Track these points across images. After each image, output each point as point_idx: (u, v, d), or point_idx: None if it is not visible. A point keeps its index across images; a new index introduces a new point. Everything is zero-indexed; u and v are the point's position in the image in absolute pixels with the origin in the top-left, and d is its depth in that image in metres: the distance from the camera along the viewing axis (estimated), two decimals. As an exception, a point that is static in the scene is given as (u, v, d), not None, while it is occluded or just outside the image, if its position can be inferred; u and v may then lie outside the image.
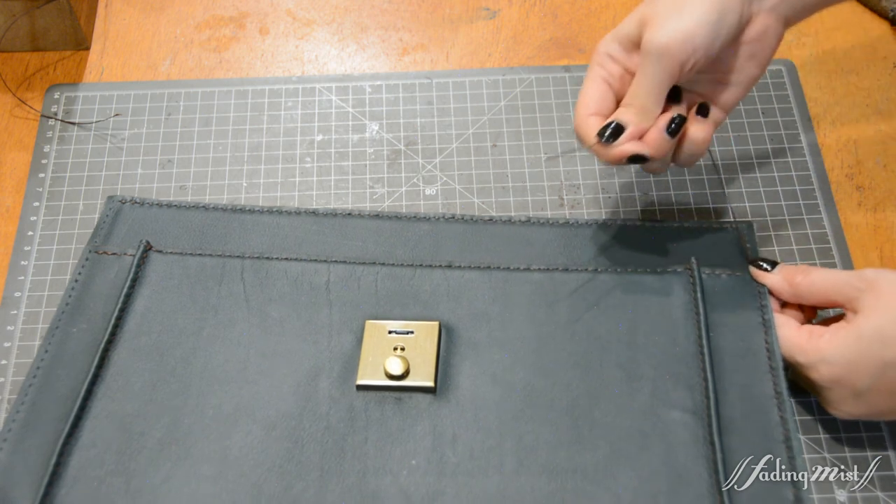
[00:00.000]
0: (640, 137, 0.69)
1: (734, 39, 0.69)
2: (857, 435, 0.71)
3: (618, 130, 0.68)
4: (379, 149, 0.87)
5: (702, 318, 0.71)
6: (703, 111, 0.71)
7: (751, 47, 0.70)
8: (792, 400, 0.70)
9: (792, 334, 0.69)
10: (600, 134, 0.68)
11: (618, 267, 0.75)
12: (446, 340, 0.72)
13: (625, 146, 0.68)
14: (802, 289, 0.70)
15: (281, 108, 0.90)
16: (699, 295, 0.72)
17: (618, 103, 0.71)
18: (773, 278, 0.73)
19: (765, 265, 0.74)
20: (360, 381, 0.70)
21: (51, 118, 0.88)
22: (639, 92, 0.68)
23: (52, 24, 0.91)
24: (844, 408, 0.67)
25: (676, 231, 0.77)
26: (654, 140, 0.69)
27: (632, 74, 0.70)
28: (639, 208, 0.82)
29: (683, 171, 0.84)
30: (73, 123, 0.88)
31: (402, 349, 0.71)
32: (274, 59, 0.94)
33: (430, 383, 0.69)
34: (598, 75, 0.71)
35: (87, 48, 0.94)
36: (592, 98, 0.71)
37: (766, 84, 0.90)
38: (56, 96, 0.90)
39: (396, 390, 0.70)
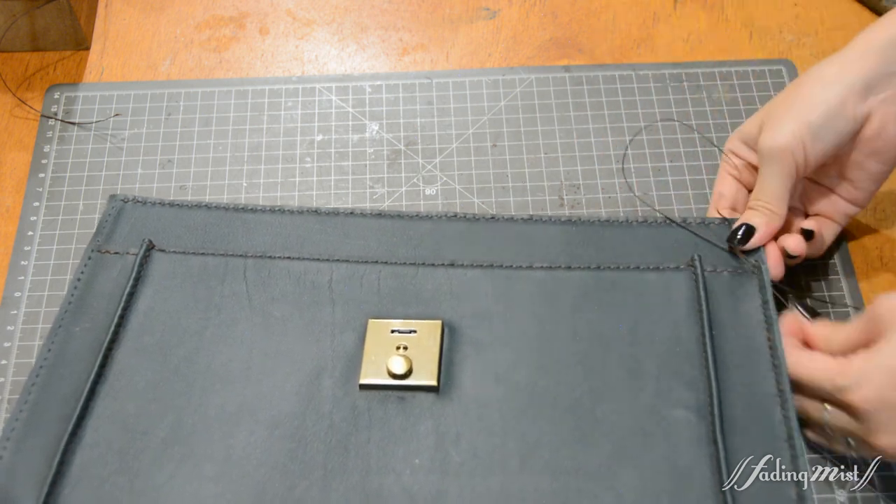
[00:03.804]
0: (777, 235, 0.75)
1: (851, 138, 0.72)
2: (857, 435, 0.71)
3: (748, 233, 0.73)
4: (379, 149, 0.87)
5: (704, 315, 0.71)
6: (807, 236, 0.75)
7: (871, 144, 0.73)
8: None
9: (823, 360, 0.66)
10: (732, 238, 0.74)
11: (620, 264, 0.75)
12: (449, 339, 0.72)
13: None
14: (833, 337, 0.68)
15: (281, 108, 0.90)
16: (702, 293, 0.72)
17: (749, 190, 0.77)
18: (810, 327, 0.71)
19: (806, 313, 0.74)
20: (363, 381, 0.69)
21: (51, 118, 0.88)
22: (762, 193, 0.73)
23: (52, 24, 0.91)
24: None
25: (679, 228, 0.77)
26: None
27: (755, 168, 0.75)
28: (639, 208, 0.82)
29: (683, 171, 0.84)
30: (73, 123, 0.88)
31: (405, 348, 0.71)
32: (274, 59, 0.94)
33: (433, 382, 0.69)
34: (726, 171, 0.78)
35: (87, 48, 0.94)
36: (723, 194, 0.78)
37: (765, 84, 0.90)
38: (56, 96, 0.90)
39: (399, 389, 0.69)
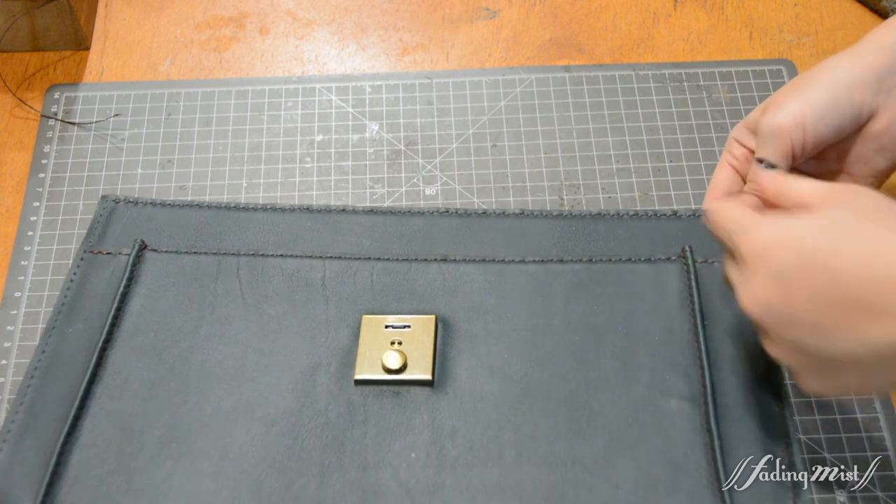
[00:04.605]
0: None
1: (855, 129, 0.71)
2: (857, 435, 0.71)
3: None
4: (379, 149, 0.87)
5: (696, 306, 0.71)
6: None
7: (879, 140, 0.71)
8: (788, 383, 0.70)
9: (740, 207, 0.62)
10: None
11: (612, 256, 0.75)
12: (443, 334, 0.72)
13: None
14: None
15: (281, 108, 0.90)
16: (693, 283, 0.72)
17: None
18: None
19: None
20: (359, 376, 0.70)
21: (51, 118, 0.89)
22: (755, 174, 0.71)
23: (52, 24, 0.91)
24: (755, 289, 0.57)
25: (669, 220, 0.77)
26: None
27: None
28: (639, 209, 0.82)
29: (683, 170, 0.84)
30: (73, 123, 0.88)
31: (400, 343, 0.71)
32: (274, 59, 0.94)
33: (428, 376, 0.69)
34: (725, 160, 0.75)
35: (87, 48, 0.94)
36: (719, 183, 0.75)
37: (765, 84, 0.90)
38: (56, 96, 0.90)
39: (394, 384, 0.70)
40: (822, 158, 0.75)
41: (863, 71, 0.70)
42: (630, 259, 0.75)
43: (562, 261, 0.75)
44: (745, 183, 0.76)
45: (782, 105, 0.70)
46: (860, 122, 0.71)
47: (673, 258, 0.74)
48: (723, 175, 0.77)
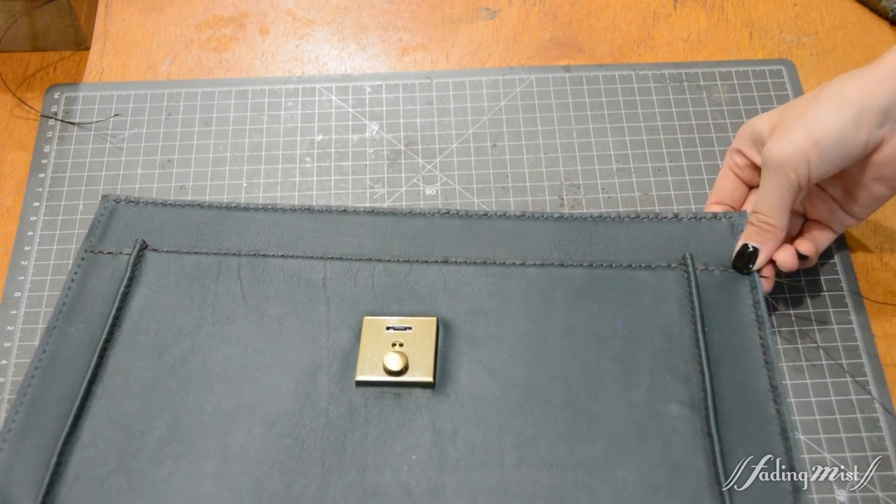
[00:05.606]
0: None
1: (860, 159, 0.72)
2: (857, 435, 0.71)
3: (753, 255, 0.74)
4: (379, 149, 0.87)
5: (697, 312, 0.71)
6: (800, 256, 0.75)
7: (880, 170, 0.72)
8: (787, 383, 0.70)
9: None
10: (740, 263, 0.74)
11: (612, 262, 0.75)
12: (444, 336, 0.72)
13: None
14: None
15: (281, 108, 0.90)
16: (694, 291, 0.72)
17: (748, 186, 0.78)
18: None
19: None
20: (360, 378, 0.70)
21: (51, 118, 0.89)
22: (763, 205, 0.73)
23: (52, 24, 0.91)
24: None
25: (670, 223, 0.77)
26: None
27: (757, 168, 0.75)
28: (639, 209, 0.82)
29: (683, 171, 0.84)
30: (73, 123, 0.88)
31: (401, 345, 0.71)
32: (274, 59, 0.94)
33: (429, 378, 0.69)
34: (728, 166, 0.78)
35: (87, 48, 0.94)
36: (722, 189, 0.78)
37: (765, 84, 0.90)
38: (56, 96, 0.90)
39: (395, 386, 0.70)
40: (825, 181, 0.75)
41: (870, 103, 0.69)
42: (631, 265, 0.75)
43: (563, 265, 0.75)
44: (747, 187, 0.76)
45: (788, 136, 0.70)
46: (866, 155, 0.71)
47: (674, 265, 0.74)
48: (725, 182, 0.77)
